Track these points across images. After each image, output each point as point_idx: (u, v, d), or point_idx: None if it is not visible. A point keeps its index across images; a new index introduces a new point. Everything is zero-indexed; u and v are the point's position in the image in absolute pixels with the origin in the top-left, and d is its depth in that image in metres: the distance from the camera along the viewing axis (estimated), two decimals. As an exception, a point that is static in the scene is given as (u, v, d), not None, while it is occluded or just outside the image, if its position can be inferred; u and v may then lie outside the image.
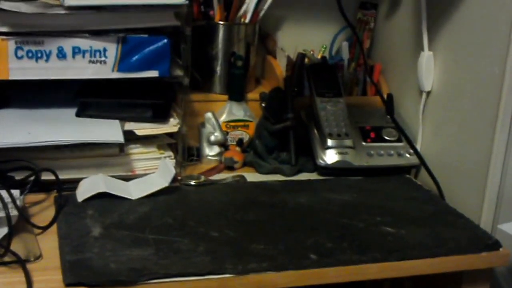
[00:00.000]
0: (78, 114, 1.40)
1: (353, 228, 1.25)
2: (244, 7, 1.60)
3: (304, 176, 1.51)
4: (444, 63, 1.49)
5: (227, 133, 1.57)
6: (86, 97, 1.41)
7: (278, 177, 1.50)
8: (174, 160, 1.41)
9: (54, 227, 1.18)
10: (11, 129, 1.32)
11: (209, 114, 1.54)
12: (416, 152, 1.53)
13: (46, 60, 1.30)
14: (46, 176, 1.28)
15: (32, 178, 1.27)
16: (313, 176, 1.51)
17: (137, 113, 1.40)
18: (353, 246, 1.18)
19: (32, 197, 1.28)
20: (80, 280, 1.01)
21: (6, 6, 1.24)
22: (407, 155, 1.54)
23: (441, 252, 1.20)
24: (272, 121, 1.52)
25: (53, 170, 1.28)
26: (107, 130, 1.35)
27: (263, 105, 1.55)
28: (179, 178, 1.41)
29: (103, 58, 1.33)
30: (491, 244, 1.24)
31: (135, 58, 1.35)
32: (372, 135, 1.56)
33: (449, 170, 1.46)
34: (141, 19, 1.34)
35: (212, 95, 1.62)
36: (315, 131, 1.54)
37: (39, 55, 1.29)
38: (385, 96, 1.64)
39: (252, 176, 1.48)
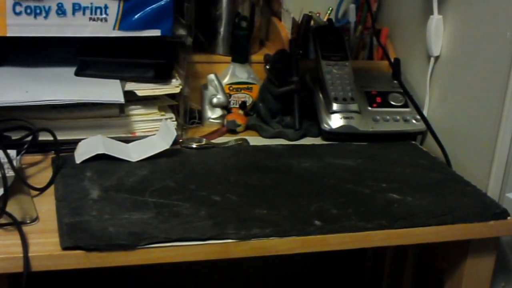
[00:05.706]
0: (77, 73, 1.38)
1: (359, 194, 1.23)
2: (249, -34, 1.58)
3: (308, 141, 1.49)
4: (454, 27, 1.46)
5: (230, 95, 1.57)
6: (86, 56, 1.39)
7: (282, 141, 1.48)
8: (175, 122, 1.40)
9: (51, 189, 1.17)
10: (8, 87, 1.30)
11: (211, 76, 1.52)
12: (423, 118, 1.51)
13: (45, 17, 1.28)
14: (44, 137, 1.27)
15: (29, 138, 1.25)
16: (317, 140, 1.50)
17: (138, 73, 1.38)
18: (358, 213, 1.16)
19: (29, 158, 1.27)
20: (77, 244, 0.99)
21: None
22: (414, 121, 1.52)
23: (448, 220, 1.18)
24: (276, 84, 1.50)
25: (51, 130, 1.26)
26: (107, 90, 1.33)
27: (267, 67, 1.54)
28: (180, 140, 1.40)
29: (104, 16, 1.31)
30: (499, 212, 1.22)
31: (137, 16, 1.32)
32: (378, 100, 1.54)
33: (456, 137, 1.44)
34: (143, -25, 1.33)
35: (215, 56, 1.61)
36: (320, 95, 1.52)
37: (38, 11, 1.27)
38: (392, 60, 1.61)
39: (255, 140, 1.47)
